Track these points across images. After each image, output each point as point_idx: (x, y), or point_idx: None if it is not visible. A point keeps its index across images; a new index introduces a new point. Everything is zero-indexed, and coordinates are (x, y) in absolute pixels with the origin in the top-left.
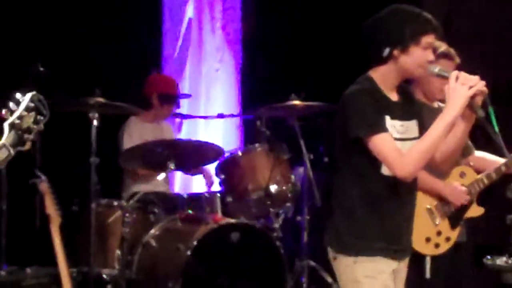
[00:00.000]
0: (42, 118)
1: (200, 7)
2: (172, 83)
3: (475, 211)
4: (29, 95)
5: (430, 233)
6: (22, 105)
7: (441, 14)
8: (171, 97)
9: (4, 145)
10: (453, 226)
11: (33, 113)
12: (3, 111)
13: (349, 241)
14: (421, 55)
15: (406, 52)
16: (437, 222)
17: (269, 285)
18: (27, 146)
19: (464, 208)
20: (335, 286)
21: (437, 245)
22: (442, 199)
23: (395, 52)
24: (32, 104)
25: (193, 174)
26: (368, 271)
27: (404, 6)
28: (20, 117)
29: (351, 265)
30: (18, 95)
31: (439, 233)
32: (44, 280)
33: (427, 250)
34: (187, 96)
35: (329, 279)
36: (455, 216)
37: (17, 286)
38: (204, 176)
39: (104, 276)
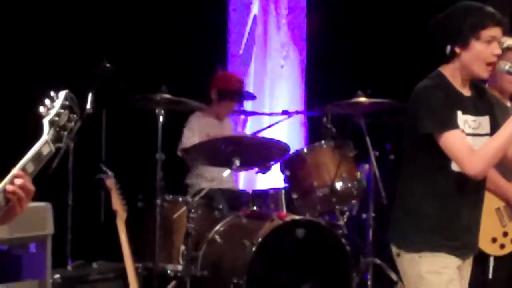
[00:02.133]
0: (75, 116)
1: (265, 4)
2: (233, 79)
3: None
4: (63, 93)
5: (497, 234)
6: (58, 103)
7: (507, 4)
8: (229, 93)
9: (46, 141)
10: None
11: (67, 111)
12: (41, 108)
13: (413, 237)
14: (482, 50)
15: (468, 48)
16: (504, 223)
17: (334, 282)
18: (64, 143)
19: None
20: (400, 284)
21: (502, 246)
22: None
23: (457, 49)
24: (66, 102)
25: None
26: (432, 266)
27: (467, 2)
28: (57, 114)
29: (415, 260)
30: (52, 93)
31: (505, 234)
32: (110, 275)
33: (492, 250)
34: (252, 96)
35: (394, 277)
36: None
37: (84, 281)
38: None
39: (169, 271)
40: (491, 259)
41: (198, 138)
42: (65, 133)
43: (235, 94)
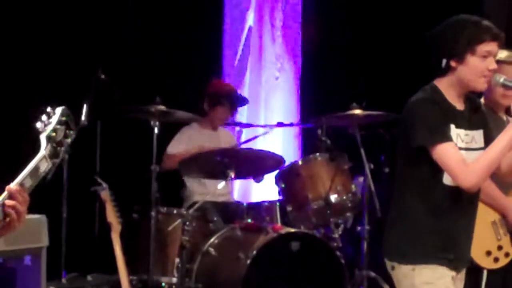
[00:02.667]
0: (71, 132)
1: (260, 15)
2: (222, 84)
3: None
4: (59, 109)
5: (492, 247)
6: (55, 119)
7: (503, 18)
8: (220, 98)
9: (44, 156)
10: None
11: (64, 127)
12: (38, 124)
13: (407, 250)
14: (478, 65)
15: (463, 63)
16: (499, 236)
17: None
18: (60, 159)
19: None
20: None
21: (496, 259)
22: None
23: (453, 63)
24: (63, 118)
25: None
26: (427, 278)
27: (464, 16)
28: (54, 130)
29: (409, 273)
30: (49, 109)
31: (500, 248)
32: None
33: (486, 263)
34: (245, 100)
35: None
36: None
37: None
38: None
39: (163, 284)
40: (485, 272)
41: (184, 148)
42: (62, 148)
43: (225, 98)
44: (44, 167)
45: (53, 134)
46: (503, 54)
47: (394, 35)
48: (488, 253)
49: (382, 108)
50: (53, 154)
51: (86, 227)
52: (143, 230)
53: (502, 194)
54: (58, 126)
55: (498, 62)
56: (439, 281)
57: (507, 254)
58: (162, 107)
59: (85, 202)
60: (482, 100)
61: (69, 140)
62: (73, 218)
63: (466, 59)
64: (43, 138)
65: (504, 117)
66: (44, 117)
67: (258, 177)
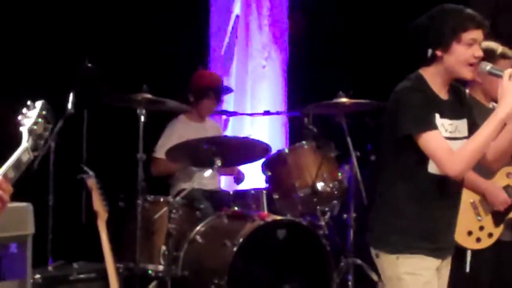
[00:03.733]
0: (49, 126)
1: (247, 4)
2: (207, 76)
3: None
4: (39, 103)
5: (473, 227)
6: (35, 112)
7: (489, 8)
8: (205, 91)
9: (26, 149)
10: (496, 222)
11: (43, 121)
12: (20, 117)
13: (392, 239)
14: (464, 53)
15: (449, 51)
16: (480, 217)
17: (315, 282)
18: (40, 152)
19: (509, 207)
20: (381, 284)
21: (478, 240)
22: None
23: (438, 52)
24: (43, 112)
25: (224, 174)
26: (410, 268)
27: (448, 5)
28: (35, 123)
29: (393, 262)
30: (29, 102)
31: (481, 228)
32: (91, 275)
33: (469, 243)
34: (229, 90)
35: (375, 277)
36: (499, 213)
37: (64, 281)
38: (234, 174)
39: (150, 272)
40: (468, 253)
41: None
42: (41, 142)
43: (210, 91)
44: (27, 159)
45: (34, 127)
46: (499, 48)
47: (380, 24)
48: (469, 233)
49: (368, 96)
50: (34, 147)
51: (72, 215)
52: (130, 218)
53: (481, 177)
54: (39, 120)
55: (498, 56)
56: (422, 272)
57: (490, 235)
58: (149, 96)
59: (71, 190)
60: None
61: (47, 134)
62: (60, 206)
63: (452, 47)
64: (25, 130)
65: (491, 105)
66: (24, 110)
67: (238, 179)
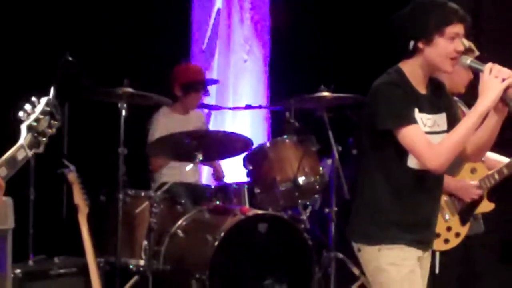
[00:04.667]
0: (55, 123)
1: None
2: (194, 70)
3: (486, 206)
4: (44, 99)
5: (440, 229)
6: (39, 108)
7: (470, 3)
8: (194, 85)
9: (22, 146)
10: (463, 222)
11: (48, 117)
12: (20, 113)
13: (372, 231)
14: (446, 46)
15: (431, 44)
16: (447, 218)
17: (297, 276)
18: (42, 149)
19: (475, 203)
20: (363, 278)
21: (446, 241)
22: (452, 195)
23: (420, 45)
24: (47, 108)
25: (205, 164)
26: (392, 259)
27: None
28: (36, 120)
29: (375, 254)
30: (33, 98)
31: (449, 229)
32: (72, 270)
33: (437, 245)
34: (215, 81)
35: (356, 271)
36: (465, 211)
37: (45, 276)
38: (214, 169)
39: (131, 266)
40: (437, 254)
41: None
42: (44, 139)
43: (199, 85)
44: (22, 156)
45: (35, 124)
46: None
47: (362, 19)
48: (437, 235)
49: (350, 91)
50: (33, 144)
51: (53, 209)
52: (111, 212)
53: (450, 176)
54: (42, 116)
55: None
56: (405, 262)
57: (457, 234)
58: (130, 90)
59: (52, 184)
60: None
61: (54, 131)
62: (40, 200)
63: (434, 40)
64: (23, 127)
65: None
66: (27, 107)
67: (219, 179)
